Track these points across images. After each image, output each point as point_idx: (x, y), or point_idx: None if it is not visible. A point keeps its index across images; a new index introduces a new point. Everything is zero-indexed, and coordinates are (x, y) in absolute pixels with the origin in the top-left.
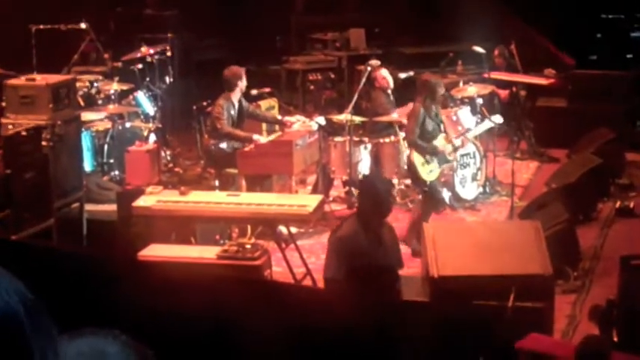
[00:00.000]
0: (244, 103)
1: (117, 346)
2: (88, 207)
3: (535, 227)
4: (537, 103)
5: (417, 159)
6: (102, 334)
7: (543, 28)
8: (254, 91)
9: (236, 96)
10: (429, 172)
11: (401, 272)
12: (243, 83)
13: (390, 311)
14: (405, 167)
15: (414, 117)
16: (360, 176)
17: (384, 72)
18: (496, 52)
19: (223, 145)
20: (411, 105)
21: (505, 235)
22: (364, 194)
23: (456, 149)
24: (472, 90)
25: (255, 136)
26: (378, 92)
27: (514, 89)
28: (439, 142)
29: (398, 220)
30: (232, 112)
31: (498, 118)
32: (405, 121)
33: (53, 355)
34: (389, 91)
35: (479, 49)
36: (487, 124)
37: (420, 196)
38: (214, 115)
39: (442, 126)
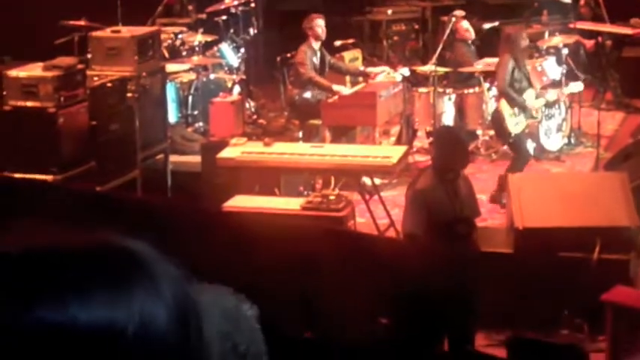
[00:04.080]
0: (326, 54)
1: (233, 301)
2: (173, 158)
3: (621, 179)
4: (623, 54)
5: (506, 109)
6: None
7: None
8: (337, 42)
9: (316, 43)
10: (515, 124)
11: (486, 224)
12: (316, 30)
13: (473, 263)
14: (490, 118)
15: (504, 66)
16: (436, 128)
17: (466, 23)
18: (582, 2)
19: (307, 95)
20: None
21: (590, 187)
22: (440, 146)
23: (547, 105)
24: (557, 40)
25: (336, 87)
26: (460, 43)
27: (600, 39)
28: (528, 95)
29: (482, 171)
30: (314, 60)
31: (578, 86)
32: (485, 71)
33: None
34: (469, 42)
35: None
36: (572, 87)
37: (507, 149)
38: (297, 61)
39: (530, 81)
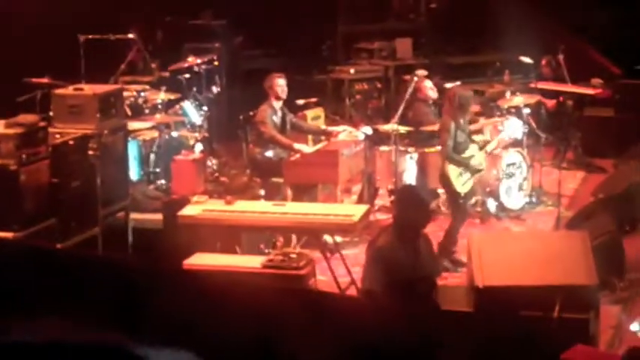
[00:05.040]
0: (288, 113)
1: None
2: (134, 216)
3: (581, 237)
4: (584, 113)
5: (452, 171)
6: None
7: (591, 38)
8: (300, 101)
9: (276, 103)
10: (463, 183)
11: (446, 282)
12: (276, 87)
13: (432, 321)
14: (439, 180)
15: (446, 130)
16: (398, 187)
17: (428, 83)
18: (543, 62)
19: (269, 154)
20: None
21: (551, 246)
22: (401, 204)
23: (490, 154)
24: (519, 100)
25: (297, 146)
26: (421, 103)
27: (561, 99)
28: (471, 152)
29: (443, 230)
30: (275, 119)
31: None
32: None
33: None
34: (430, 102)
35: (526, 58)
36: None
37: (451, 209)
38: (258, 120)
39: (470, 137)
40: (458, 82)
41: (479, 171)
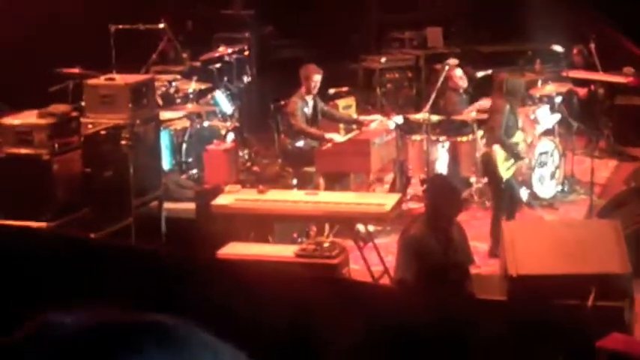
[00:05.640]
0: (319, 102)
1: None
2: (167, 205)
3: (614, 226)
4: (616, 102)
5: (499, 155)
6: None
7: (623, 26)
8: (331, 90)
9: (309, 94)
10: (507, 169)
11: (479, 271)
12: (312, 82)
13: (466, 310)
14: (481, 164)
15: (500, 113)
16: (430, 176)
17: (459, 72)
18: (575, 51)
19: (300, 144)
20: (482, 101)
21: (584, 234)
22: (433, 194)
23: (529, 146)
24: (550, 88)
25: (329, 135)
26: (451, 92)
27: (593, 87)
28: (517, 138)
29: (476, 219)
30: (306, 110)
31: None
32: (479, 119)
33: None
34: (461, 91)
35: (557, 47)
36: (551, 120)
37: (493, 195)
38: (288, 112)
39: (519, 123)
40: (489, 71)
41: (522, 159)
